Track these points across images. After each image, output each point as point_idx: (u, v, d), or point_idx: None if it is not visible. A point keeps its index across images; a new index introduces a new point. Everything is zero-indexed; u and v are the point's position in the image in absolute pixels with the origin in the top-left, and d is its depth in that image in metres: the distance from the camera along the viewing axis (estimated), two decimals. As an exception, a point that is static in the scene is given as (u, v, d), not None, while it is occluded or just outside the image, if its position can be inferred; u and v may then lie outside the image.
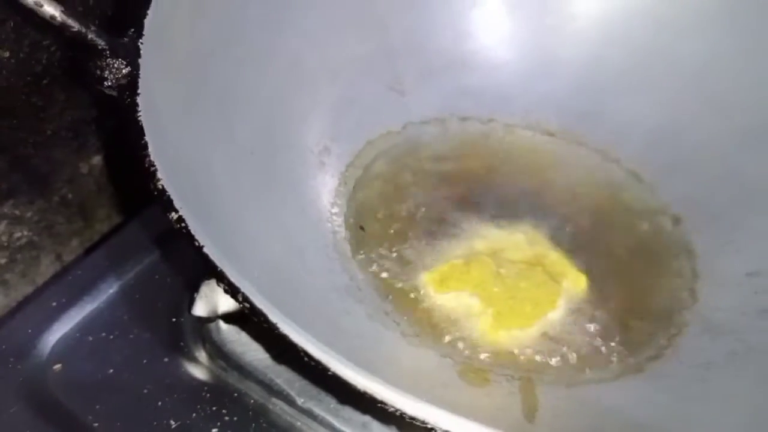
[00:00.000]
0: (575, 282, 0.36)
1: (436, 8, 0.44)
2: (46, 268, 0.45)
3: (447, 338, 0.34)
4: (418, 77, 0.44)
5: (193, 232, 0.24)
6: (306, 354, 0.21)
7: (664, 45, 0.42)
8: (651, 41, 0.42)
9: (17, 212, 0.42)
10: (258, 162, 0.35)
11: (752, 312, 0.34)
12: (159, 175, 0.25)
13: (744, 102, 0.40)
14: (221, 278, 0.23)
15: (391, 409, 0.21)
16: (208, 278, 0.34)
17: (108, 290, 0.39)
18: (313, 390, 0.34)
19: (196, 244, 0.23)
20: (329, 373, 0.21)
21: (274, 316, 0.22)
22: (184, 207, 0.24)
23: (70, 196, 0.45)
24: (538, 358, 0.34)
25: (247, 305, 0.23)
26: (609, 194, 0.42)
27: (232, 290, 0.23)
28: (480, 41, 0.43)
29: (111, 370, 0.36)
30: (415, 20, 0.43)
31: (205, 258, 0.23)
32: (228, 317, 0.34)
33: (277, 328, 0.22)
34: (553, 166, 0.43)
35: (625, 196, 0.42)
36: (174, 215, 0.24)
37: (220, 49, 0.34)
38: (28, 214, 0.43)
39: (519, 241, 0.38)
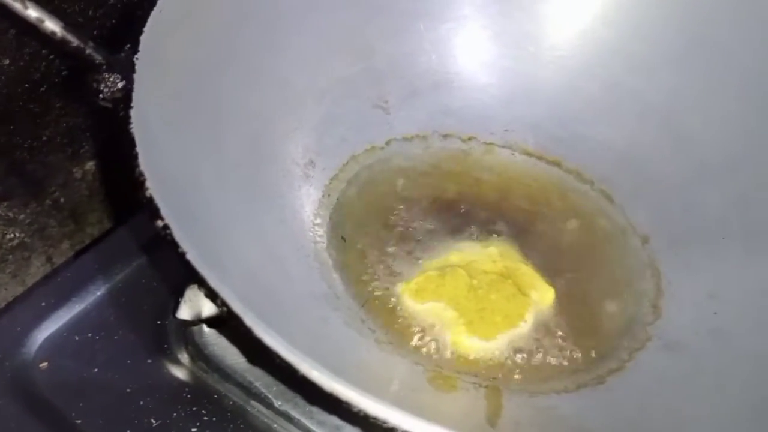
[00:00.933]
0: (544, 295, 0.38)
1: (422, 33, 0.45)
2: (37, 269, 0.46)
3: (419, 346, 0.36)
4: (402, 96, 0.45)
5: (177, 240, 0.25)
6: (277, 356, 0.23)
7: (634, 79, 0.44)
8: (622, 75, 0.44)
9: (10, 214, 0.43)
10: (244, 174, 0.36)
11: (704, 331, 0.35)
12: (147, 184, 0.26)
13: (703, 138, 0.42)
14: (202, 283, 0.25)
15: (355, 410, 0.22)
16: (192, 284, 0.35)
17: (96, 292, 0.40)
18: (290, 393, 0.35)
19: (180, 251, 0.25)
20: (298, 375, 0.23)
21: (250, 320, 0.24)
22: (169, 216, 0.26)
23: (62, 200, 0.46)
24: (504, 367, 0.35)
25: (225, 309, 0.24)
26: (582, 212, 0.43)
27: (212, 295, 0.24)
28: (463, 64, 0.45)
29: (96, 369, 0.37)
30: (401, 44, 0.45)
31: (188, 264, 0.25)
32: (209, 322, 0.36)
33: (251, 332, 0.24)
34: (529, 184, 0.45)
35: (597, 214, 0.43)
36: (160, 223, 0.26)
37: (212, 68, 0.35)
38: (21, 216, 0.44)
39: (492, 254, 0.40)
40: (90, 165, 0.47)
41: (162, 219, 0.26)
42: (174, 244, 0.25)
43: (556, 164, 0.45)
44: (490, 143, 0.46)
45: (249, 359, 0.35)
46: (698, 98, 0.43)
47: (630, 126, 0.44)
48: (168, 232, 0.25)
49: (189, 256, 0.25)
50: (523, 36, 0.46)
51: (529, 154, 0.46)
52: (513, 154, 0.46)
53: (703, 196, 0.42)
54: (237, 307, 0.24)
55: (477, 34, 0.46)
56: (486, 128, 0.46)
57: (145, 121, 0.29)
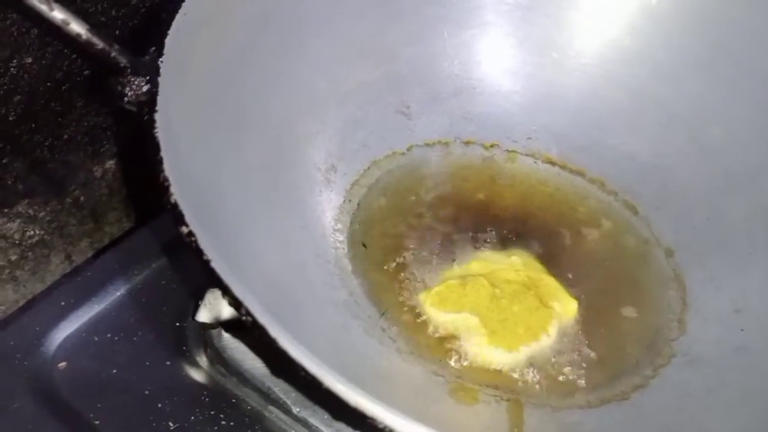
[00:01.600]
0: (567, 307, 0.38)
1: (446, 39, 0.45)
2: (56, 267, 0.46)
3: (440, 356, 0.35)
4: (424, 102, 0.45)
5: (201, 247, 0.25)
6: (302, 368, 0.23)
7: (658, 88, 0.43)
8: (646, 84, 0.44)
9: (31, 212, 0.43)
10: (265, 178, 0.36)
11: (730, 349, 0.35)
12: (172, 189, 0.26)
13: (728, 148, 0.42)
14: (226, 292, 0.24)
15: (381, 426, 0.22)
16: (215, 290, 0.35)
17: (116, 292, 0.40)
18: (309, 401, 0.35)
19: (204, 258, 0.25)
20: (322, 387, 0.23)
21: (274, 331, 0.23)
22: (194, 222, 0.26)
23: (82, 198, 0.46)
24: (527, 380, 0.35)
25: (249, 319, 0.24)
26: (605, 223, 0.43)
27: (236, 304, 0.24)
28: (486, 71, 0.45)
29: (114, 370, 0.37)
30: (424, 50, 0.45)
31: (212, 272, 0.25)
32: (227, 326, 0.36)
33: (276, 343, 0.23)
34: (551, 193, 0.44)
35: (621, 226, 0.43)
36: (185, 229, 0.25)
37: (235, 71, 0.35)
38: (41, 214, 0.44)
39: (515, 264, 0.39)
40: (110, 164, 0.47)
41: (187, 225, 0.25)
42: (199, 252, 0.25)
43: (580, 174, 0.45)
44: (513, 151, 0.46)
45: (272, 370, 0.34)
46: (723, 108, 0.42)
47: (654, 135, 0.43)
48: (193, 239, 0.25)
49: (214, 264, 0.25)
50: (547, 43, 0.46)
51: (553, 163, 0.46)
52: (536, 162, 0.46)
53: (729, 207, 0.41)
54: (261, 317, 0.24)
55: (501, 41, 0.46)
56: (508, 136, 0.46)
57: (170, 126, 0.29)
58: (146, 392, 0.36)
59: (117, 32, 0.42)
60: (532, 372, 0.35)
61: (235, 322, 0.34)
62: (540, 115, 0.45)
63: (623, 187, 0.44)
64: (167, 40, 0.31)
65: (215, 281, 0.24)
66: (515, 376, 0.35)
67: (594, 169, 0.45)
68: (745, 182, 0.41)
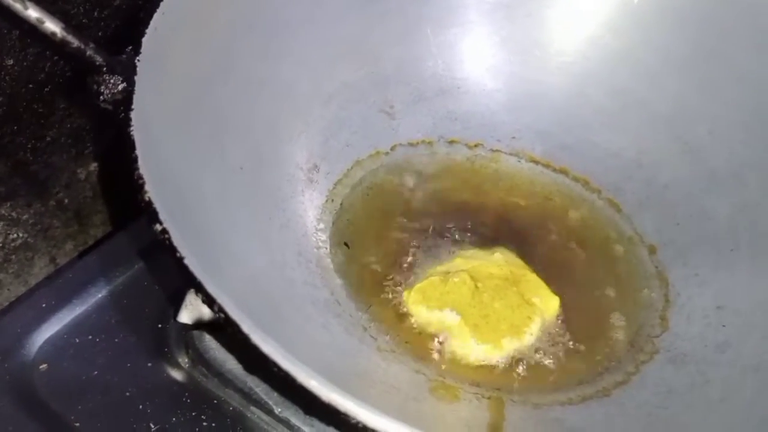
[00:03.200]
0: (548, 304, 0.37)
1: (429, 38, 0.45)
2: (40, 269, 0.45)
3: (421, 354, 0.35)
4: (408, 102, 0.45)
5: (175, 244, 0.25)
6: (274, 364, 0.23)
7: (640, 87, 0.44)
8: (628, 82, 0.44)
9: (14, 214, 0.43)
10: (246, 178, 0.36)
11: (712, 345, 0.35)
12: (146, 187, 0.26)
13: (711, 146, 0.42)
14: (199, 289, 0.24)
15: (353, 421, 0.22)
16: (190, 289, 0.35)
17: (97, 294, 0.40)
18: (285, 398, 0.35)
19: (178, 255, 0.25)
20: (296, 383, 0.23)
21: (247, 327, 0.23)
22: (168, 219, 0.26)
23: (66, 200, 0.46)
24: (507, 377, 0.35)
25: (222, 315, 0.24)
26: (589, 221, 0.43)
27: (209, 301, 0.24)
28: (470, 70, 0.45)
29: (95, 372, 0.36)
30: (406, 50, 0.45)
31: (185, 269, 0.24)
32: (207, 326, 0.35)
33: (249, 339, 0.23)
34: (536, 192, 0.44)
35: (604, 224, 0.43)
36: (158, 227, 0.25)
37: (215, 71, 0.35)
38: (25, 217, 0.44)
39: (497, 260, 0.39)
40: (94, 166, 0.47)
41: (160, 223, 0.25)
42: (172, 249, 0.25)
43: (563, 172, 0.45)
44: (497, 150, 0.46)
45: (246, 367, 0.34)
46: (706, 105, 0.43)
47: (637, 133, 0.44)
48: (166, 236, 0.25)
49: (187, 261, 0.24)
50: (529, 41, 0.46)
51: (536, 162, 0.46)
52: (519, 161, 0.46)
53: (712, 205, 0.41)
54: (234, 314, 0.24)
55: (483, 40, 0.46)
56: (492, 135, 0.46)
57: (146, 124, 0.29)
58: (127, 394, 0.36)
59: (99, 34, 0.42)
60: (513, 369, 0.35)
61: (213, 322, 0.34)
62: (523, 114, 0.45)
63: (607, 185, 0.44)
64: (145, 39, 0.31)
65: (188, 278, 0.24)
66: (497, 373, 0.35)
67: (577, 167, 0.45)
68: (728, 179, 0.41)
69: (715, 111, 0.42)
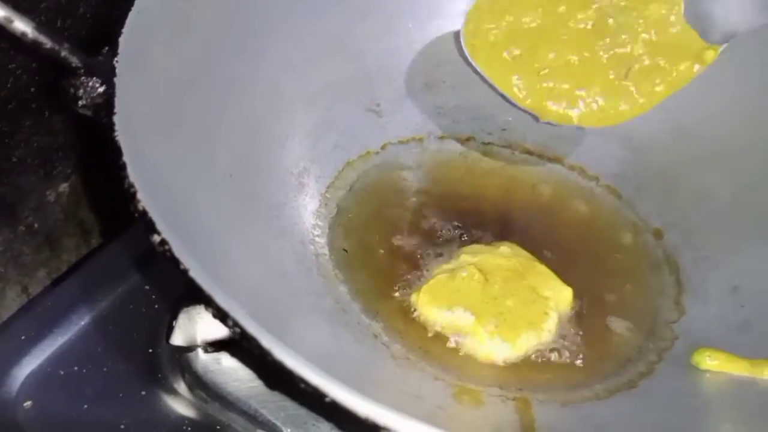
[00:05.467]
0: (562, 296, 0.36)
1: (413, 33, 0.44)
2: (12, 300, 0.43)
3: (437, 358, 0.33)
4: (394, 99, 0.44)
5: (177, 255, 0.23)
6: (302, 380, 0.20)
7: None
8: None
9: (-19, 242, 0.40)
10: (237, 184, 0.34)
11: (734, 326, 0.34)
12: (139, 195, 0.24)
13: (705, 126, 0.41)
14: (209, 303, 0.22)
15: (393, 435, 0.20)
16: (189, 305, 0.33)
17: (79, 321, 0.38)
18: (300, 419, 0.32)
19: (182, 267, 0.22)
20: (326, 399, 0.20)
21: (267, 342, 0.21)
22: (166, 229, 0.23)
23: (36, 225, 0.43)
24: (529, 376, 0.33)
25: (237, 330, 0.22)
26: (590, 209, 0.42)
27: (221, 315, 0.22)
28: (456, 63, 0.43)
29: (85, 406, 0.34)
30: (391, 45, 0.43)
31: (192, 282, 0.22)
32: (210, 345, 0.33)
33: (271, 354, 0.21)
34: (532, 184, 0.43)
35: (606, 211, 0.42)
36: (157, 238, 0.23)
37: (197, 72, 0.33)
38: (-7, 245, 0.41)
39: (505, 254, 0.37)
40: (64, 187, 0.44)
41: (159, 233, 0.23)
42: (175, 261, 0.22)
43: (558, 161, 0.44)
44: (489, 143, 0.45)
45: (267, 384, 0.32)
46: (701, 87, 0.42)
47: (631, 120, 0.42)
48: (167, 247, 0.23)
49: (193, 273, 0.22)
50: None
51: (530, 153, 0.44)
52: (513, 153, 0.44)
53: (714, 187, 0.40)
54: (251, 327, 0.21)
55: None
56: (483, 128, 0.45)
57: (130, 129, 0.26)
58: (121, 426, 0.34)
59: (73, 31, 0.39)
60: (534, 367, 0.33)
61: (220, 340, 0.31)
62: (512, 105, 0.44)
63: (604, 172, 0.43)
64: (121, 39, 0.29)
65: (196, 292, 0.22)
66: (517, 372, 0.33)
67: (572, 155, 0.44)
68: (727, 161, 0.40)
69: (711, 91, 0.40)
